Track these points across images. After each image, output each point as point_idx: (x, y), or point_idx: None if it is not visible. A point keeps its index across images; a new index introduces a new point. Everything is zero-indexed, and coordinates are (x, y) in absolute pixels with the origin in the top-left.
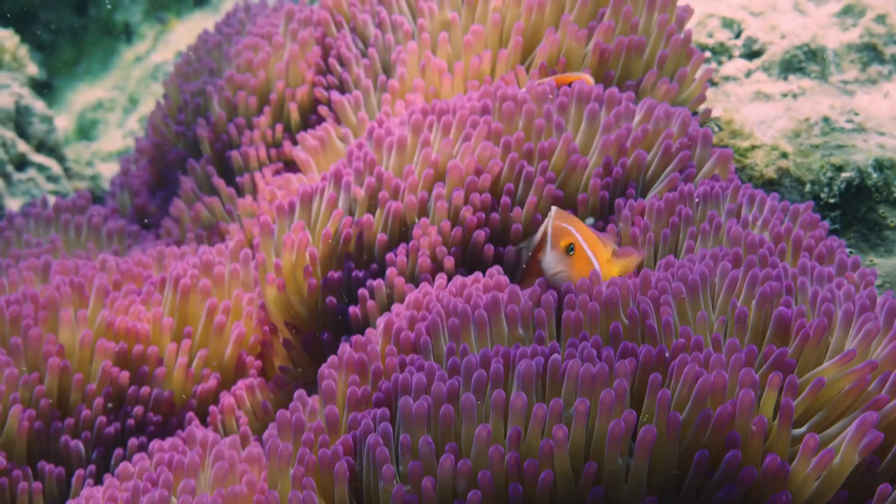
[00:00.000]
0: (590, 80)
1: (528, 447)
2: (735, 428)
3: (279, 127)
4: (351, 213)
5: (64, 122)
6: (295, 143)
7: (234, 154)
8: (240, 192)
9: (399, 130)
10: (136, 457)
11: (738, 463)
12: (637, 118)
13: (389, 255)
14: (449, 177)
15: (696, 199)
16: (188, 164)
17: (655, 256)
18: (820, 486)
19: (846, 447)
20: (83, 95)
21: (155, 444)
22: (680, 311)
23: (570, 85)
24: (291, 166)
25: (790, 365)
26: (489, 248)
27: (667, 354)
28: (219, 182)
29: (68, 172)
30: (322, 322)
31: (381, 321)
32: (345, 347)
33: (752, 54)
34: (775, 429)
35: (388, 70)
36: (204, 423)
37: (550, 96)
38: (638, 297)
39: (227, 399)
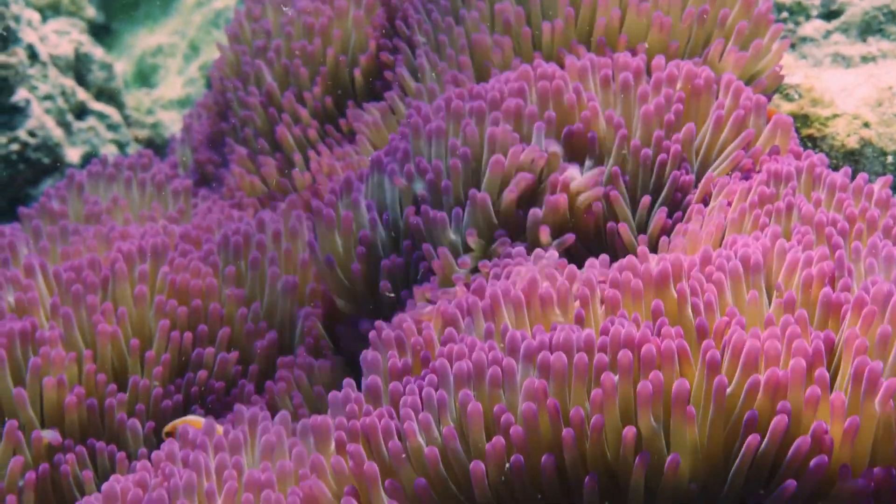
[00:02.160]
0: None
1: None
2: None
3: (338, 95)
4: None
5: (122, 67)
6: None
7: (282, 128)
8: (293, 165)
9: (436, 120)
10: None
11: (783, 427)
12: (678, 85)
13: (426, 247)
14: (490, 173)
15: (766, 177)
16: (243, 133)
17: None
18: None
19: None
20: (142, 40)
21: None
22: (735, 291)
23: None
24: (353, 136)
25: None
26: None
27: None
28: (267, 160)
29: (128, 120)
30: (371, 304)
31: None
32: (383, 325)
33: (829, 14)
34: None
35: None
36: (261, 388)
37: (591, 72)
38: (693, 273)
39: (281, 372)
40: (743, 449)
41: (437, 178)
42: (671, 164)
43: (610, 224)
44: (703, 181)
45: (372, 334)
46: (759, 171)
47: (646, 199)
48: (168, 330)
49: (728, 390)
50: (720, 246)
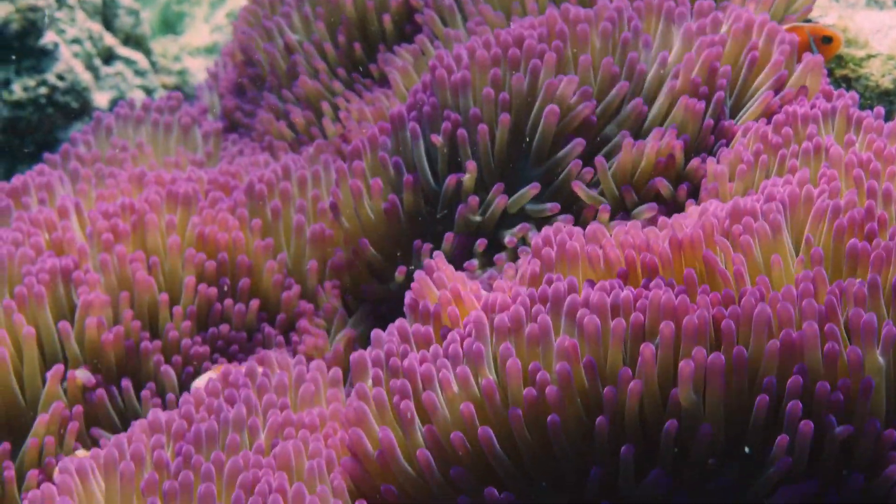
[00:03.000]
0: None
1: (611, 368)
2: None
3: (368, 41)
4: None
5: (147, 15)
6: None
7: (304, 78)
8: (321, 114)
9: (462, 72)
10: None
11: (799, 388)
12: (723, 28)
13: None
14: (545, 123)
15: (793, 120)
16: (268, 82)
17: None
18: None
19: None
20: None
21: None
22: (762, 245)
23: None
24: (384, 81)
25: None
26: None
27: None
28: (294, 108)
29: (155, 67)
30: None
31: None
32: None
33: None
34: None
35: None
36: (287, 339)
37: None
38: (716, 238)
39: (302, 323)
40: (754, 411)
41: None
42: (713, 110)
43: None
44: (728, 126)
45: (418, 274)
46: (784, 112)
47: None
48: (195, 283)
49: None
50: (747, 193)
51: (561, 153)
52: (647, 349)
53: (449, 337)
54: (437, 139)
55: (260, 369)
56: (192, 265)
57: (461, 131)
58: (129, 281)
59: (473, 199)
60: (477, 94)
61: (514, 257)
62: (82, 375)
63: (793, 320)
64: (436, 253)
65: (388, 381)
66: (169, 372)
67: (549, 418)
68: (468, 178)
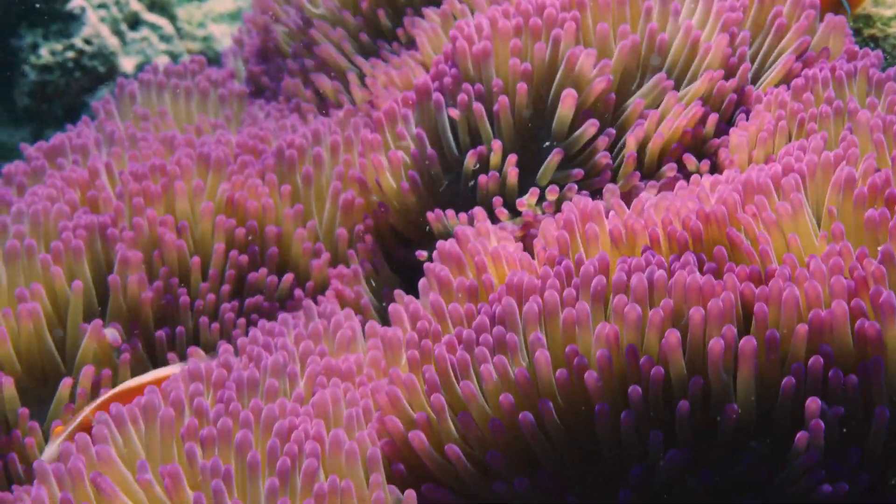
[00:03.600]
0: None
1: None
2: (831, 340)
3: (395, 5)
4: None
5: None
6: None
7: (326, 47)
8: (346, 82)
9: (483, 42)
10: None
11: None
12: None
13: (482, 178)
14: (562, 107)
15: (814, 83)
16: (292, 48)
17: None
18: None
19: None
20: None
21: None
22: (784, 222)
23: None
24: (412, 44)
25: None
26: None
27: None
28: (320, 75)
29: (180, 33)
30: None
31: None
32: (445, 243)
33: None
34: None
35: None
36: (317, 303)
37: None
38: (738, 215)
39: (334, 284)
40: (781, 393)
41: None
42: (739, 81)
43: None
44: (749, 92)
45: (440, 244)
46: (804, 76)
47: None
48: (225, 249)
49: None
50: (768, 160)
51: (577, 132)
52: (672, 335)
53: (480, 319)
54: (455, 112)
55: (292, 320)
56: (222, 231)
57: (477, 105)
58: (160, 243)
59: (494, 176)
60: (499, 64)
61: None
62: (110, 334)
63: (821, 298)
64: (475, 209)
65: (422, 362)
66: (201, 331)
67: (597, 407)
68: (494, 157)
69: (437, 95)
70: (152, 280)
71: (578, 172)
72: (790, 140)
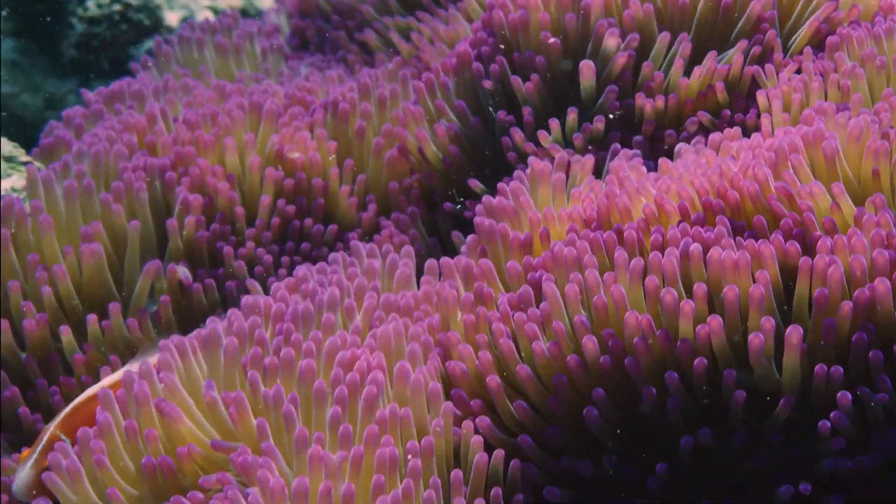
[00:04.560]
0: None
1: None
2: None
3: None
4: None
5: None
6: None
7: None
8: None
9: (520, 12)
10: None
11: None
12: None
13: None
14: (582, 79)
15: (849, 42)
16: (332, 4)
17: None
18: None
19: None
20: None
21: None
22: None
23: None
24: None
25: None
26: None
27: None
28: (365, 30)
29: None
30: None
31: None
32: (492, 199)
33: None
34: None
35: None
36: None
37: None
38: (774, 186)
39: (389, 226)
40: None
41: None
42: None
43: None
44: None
45: (487, 199)
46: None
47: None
48: (272, 201)
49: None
50: (798, 123)
51: (601, 100)
52: (714, 321)
53: (524, 290)
54: (489, 84)
55: (349, 258)
56: (271, 182)
57: (514, 78)
58: (212, 190)
59: (530, 145)
60: (532, 34)
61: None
62: (181, 272)
63: (865, 272)
64: (530, 160)
65: (477, 329)
66: (244, 271)
67: (644, 391)
68: (555, 133)
69: (476, 65)
70: (207, 225)
71: (615, 136)
72: (825, 100)
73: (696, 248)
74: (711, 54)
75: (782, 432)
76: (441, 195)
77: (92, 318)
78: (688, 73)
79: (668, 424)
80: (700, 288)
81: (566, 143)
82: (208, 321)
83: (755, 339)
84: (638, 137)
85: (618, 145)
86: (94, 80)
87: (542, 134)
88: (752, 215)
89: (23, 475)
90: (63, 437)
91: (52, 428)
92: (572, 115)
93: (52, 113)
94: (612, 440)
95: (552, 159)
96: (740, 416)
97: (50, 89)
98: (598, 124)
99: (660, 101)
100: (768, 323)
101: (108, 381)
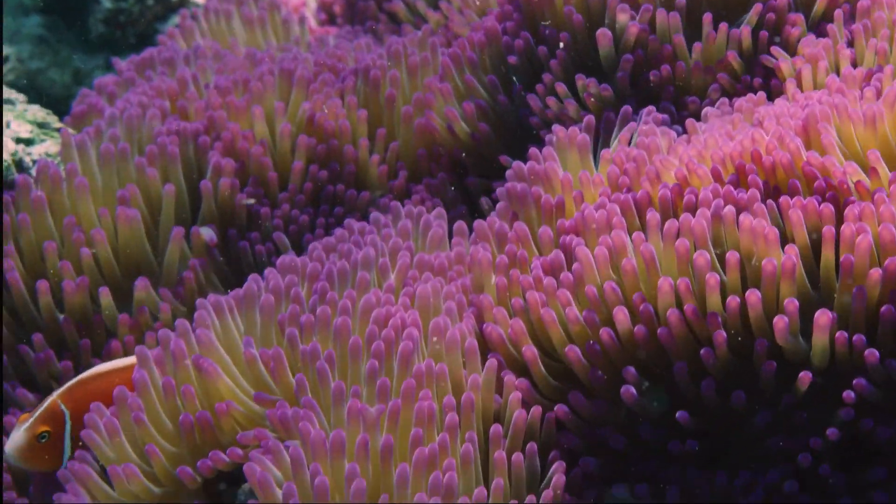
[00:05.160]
0: None
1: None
2: None
3: None
4: None
5: None
6: None
7: None
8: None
9: None
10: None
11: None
12: None
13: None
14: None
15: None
16: None
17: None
18: None
19: None
20: None
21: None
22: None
23: None
24: None
25: None
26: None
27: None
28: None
29: None
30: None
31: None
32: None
33: None
34: None
35: None
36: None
37: None
38: (806, 155)
39: (420, 191)
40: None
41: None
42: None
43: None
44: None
45: (517, 165)
46: None
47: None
48: (304, 167)
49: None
50: (823, 89)
51: (620, 68)
52: (752, 296)
53: (555, 256)
54: (514, 59)
55: (382, 218)
56: (303, 149)
57: (541, 48)
58: (244, 154)
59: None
60: (557, 8)
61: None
62: (206, 233)
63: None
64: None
65: (510, 294)
66: (282, 236)
67: (676, 366)
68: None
69: (505, 39)
70: (241, 189)
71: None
72: (854, 66)
73: (729, 209)
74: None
75: (806, 407)
76: (470, 171)
77: (140, 283)
78: (706, 42)
79: (703, 398)
80: (733, 256)
81: (589, 110)
82: (250, 278)
83: (780, 322)
84: (665, 103)
85: (643, 111)
86: (122, 55)
87: (568, 102)
88: (785, 181)
89: (16, 437)
90: (63, 406)
91: (54, 396)
92: (594, 84)
93: (79, 89)
94: (648, 412)
95: (578, 126)
96: (771, 386)
97: (77, 65)
98: (620, 89)
99: (681, 68)
100: (792, 305)
101: (120, 362)
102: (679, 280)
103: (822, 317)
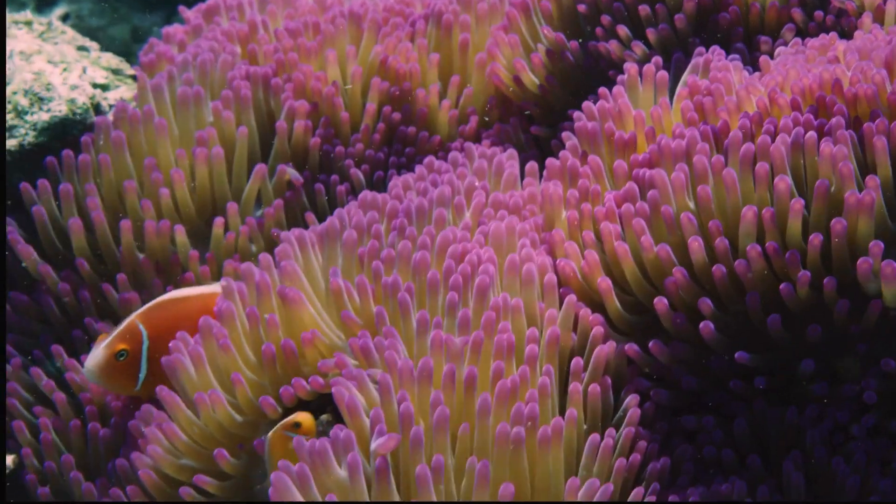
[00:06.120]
0: None
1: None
2: None
3: None
4: None
5: None
6: None
7: None
8: None
9: None
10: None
11: None
12: None
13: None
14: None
15: None
16: None
17: None
18: None
19: None
20: None
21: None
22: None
23: None
24: None
25: None
26: None
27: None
28: None
29: None
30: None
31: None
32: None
33: None
34: None
35: None
36: None
37: None
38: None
39: (491, 136)
40: None
41: None
42: None
43: None
44: None
45: (586, 105)
46: None
47: None
48: (377, 109)
49: None
50: None
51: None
52: (838, 224)
53: (629, 187)
54: (583, 7)
55: (460, 158)
56: (376, 92)
57: (617, 4)
58: (316, 95)
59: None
60: None
61: None
62: (291, 172)
63: None
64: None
65: (581, 227)
66: (359, 174)
67: (748, 296)
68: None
69: None
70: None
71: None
72: None
73: (811, 135)
74: None
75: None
76: (536, 122)
77: (218, 221)
78: None
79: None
80: (822, 184)
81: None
82: (335, 213)
83: (864, 264)
84: (737, 44)
85: (712, 48)
86: (176, 16)
87: (635, 44)
88: (867, 113)
89: (96, 354)
90: (141, 326)
91: (133, 317)
92: (664, 26)
93: (139, 46)
94: (724, 347)
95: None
96: (844, 322)
97: (136, 22)
98: (685, 27)
99: (755, 9)
100: (878, 248)
101: (197, 289)
102: (765, 210)
103: (888, 268)
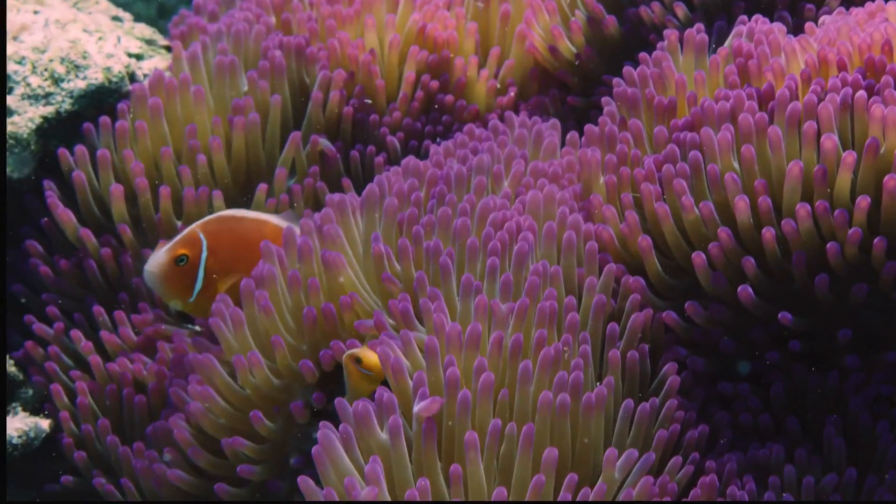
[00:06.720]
0: None
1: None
2: None
3: None
4: None
5: None
6: None
7: None
8: None
9: None
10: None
11: None
12: None
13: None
14: None
15: None
16: None
17: None
18: None
19: None
20: None
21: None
22: None
23: None
24: None
25: None
26: None
27: None
28: None
29: None
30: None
31: None
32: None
33: None
34: None
35: None
36: None
37: None
38: None
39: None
40: None
41: None
42: None
43: None
44: None
45: (627, 70)
46: None
47: None
48: (416, 78)
49: None
50: None
51: None
52: (892, 181)
53: (670, 149)
54: None
55: (501, 126)
56: (413, 60)
57: None
58: (353, 62)
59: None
60: None
61: None
62: (324, 143)
63: None
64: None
65: (619, 190)
66: (395, 143)
67: (794, 255)
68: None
69: None
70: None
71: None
72: None
73: (860, 94)
74: None
75: None
76: (574, 93)
77: (262, 188)
78: None
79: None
80: (874, 142)
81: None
82: (375, 179)
83: None
84: (781, 12)
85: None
86: None
87: (677, 6)
88: None
89: (157, 256)
90: (202, 235)
91: (195, 226)
92: None
93: (164, 22)
94: (763, 311)
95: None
96: (889, 287)
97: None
98: None
99: None
100: None
101: (253, 213)
102: (814, 168)
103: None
